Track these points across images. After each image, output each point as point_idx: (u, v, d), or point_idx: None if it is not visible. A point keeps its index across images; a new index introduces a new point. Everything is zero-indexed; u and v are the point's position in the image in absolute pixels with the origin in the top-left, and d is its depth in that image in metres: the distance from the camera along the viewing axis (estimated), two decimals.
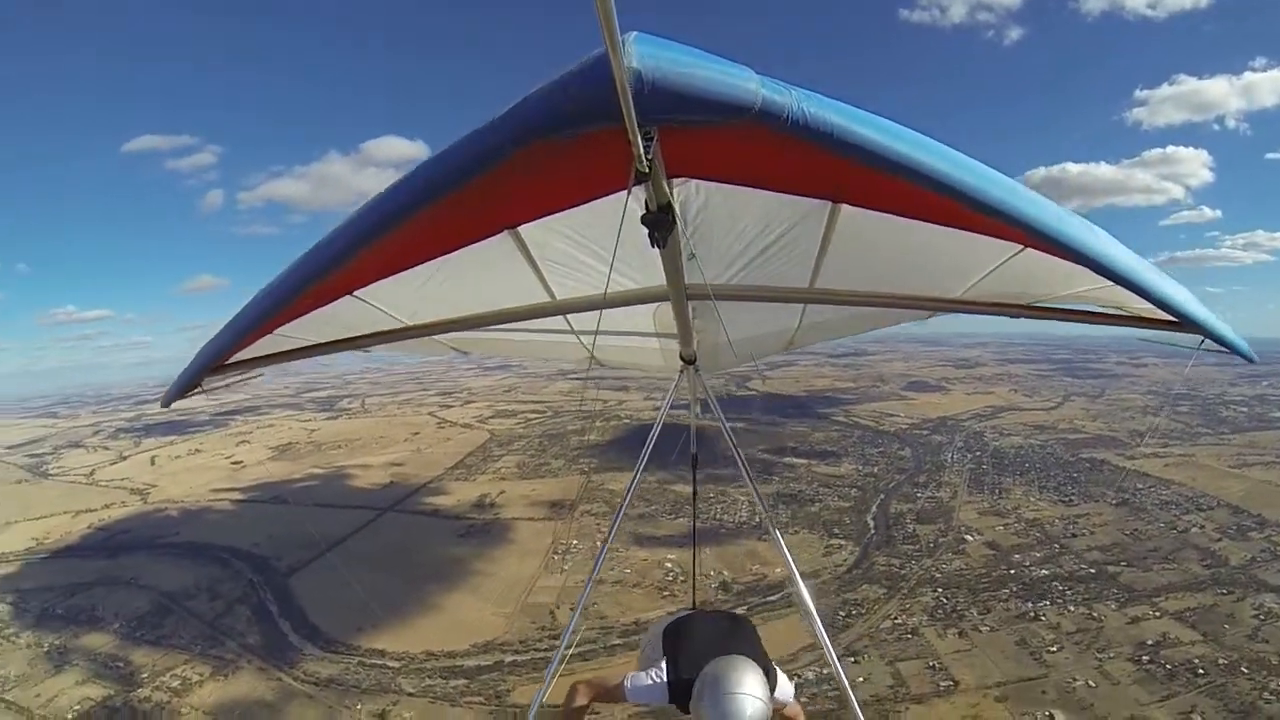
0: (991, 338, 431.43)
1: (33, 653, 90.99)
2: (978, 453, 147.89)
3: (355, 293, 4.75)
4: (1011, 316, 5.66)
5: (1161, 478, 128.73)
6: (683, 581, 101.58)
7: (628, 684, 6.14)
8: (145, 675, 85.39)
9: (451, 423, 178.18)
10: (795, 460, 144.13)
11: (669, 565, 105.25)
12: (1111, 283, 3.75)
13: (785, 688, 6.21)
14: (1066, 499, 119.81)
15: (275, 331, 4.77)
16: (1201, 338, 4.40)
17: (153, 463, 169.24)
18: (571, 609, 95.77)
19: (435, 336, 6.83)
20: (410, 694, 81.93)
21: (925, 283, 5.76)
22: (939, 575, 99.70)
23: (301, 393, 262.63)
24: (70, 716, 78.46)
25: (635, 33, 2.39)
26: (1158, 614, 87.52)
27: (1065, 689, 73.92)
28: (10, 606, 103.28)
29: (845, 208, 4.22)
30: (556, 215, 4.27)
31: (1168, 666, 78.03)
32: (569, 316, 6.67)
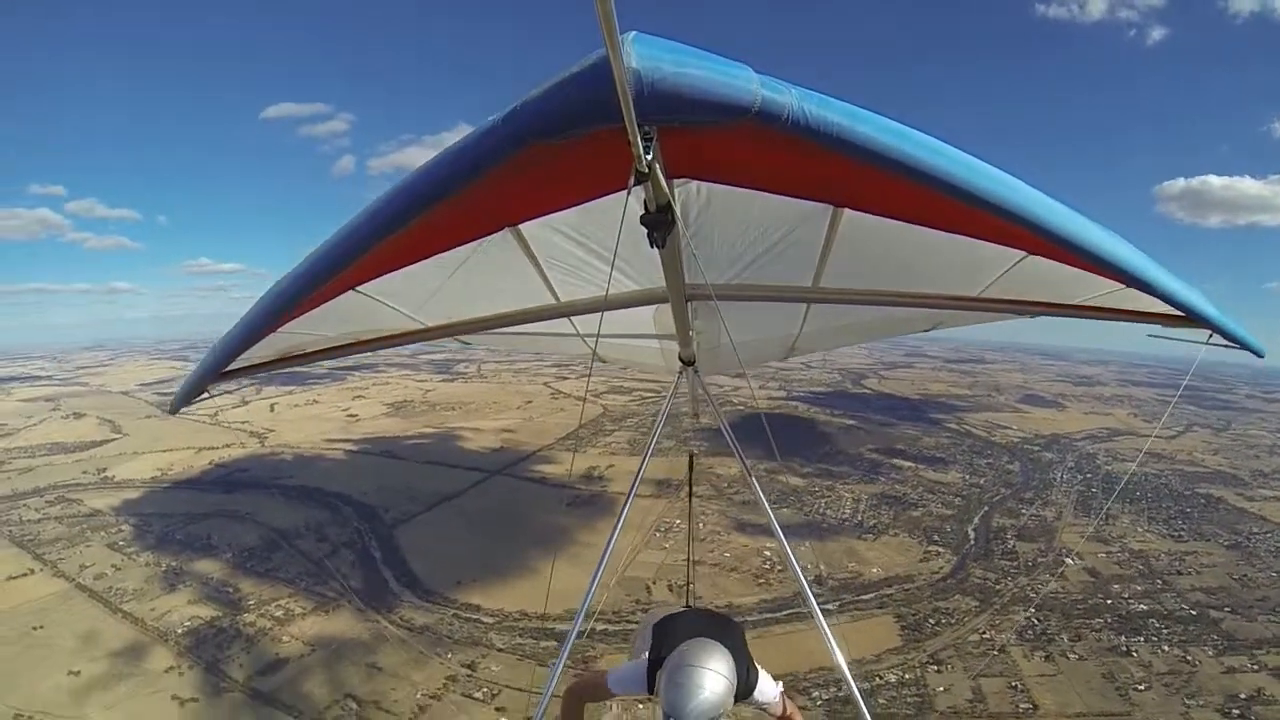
0: (1115, 356, 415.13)
1: (150, 571, 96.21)
2: (1088, 475, 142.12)
3: (358, 288, 4.74)
4: (1019, 314, 5.68)
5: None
6: (780, 570, 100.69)
7: (610, 677, 6.28)
8: (252, 603, 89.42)
9: (566, 394, 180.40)
10: (902, 463, 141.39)
11: (768, 554, 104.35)
12: (1123, 286, 3.77)
13: (768, 688, 6.08)
14: (1176, 534, 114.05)
15: (278, 330, 4.69)
16: (1209, 333, 4.33)
17: (272, 409, 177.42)
18: (669, 586, 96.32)
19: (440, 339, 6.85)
20: (500, 649, 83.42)
21: (930, 288, 5.63)
22: (1034, 595, 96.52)
23: (419, 354, 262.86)
24: (180, 631, 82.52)
25: (635, 33, 2.40)
26: (1256, 667, 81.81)
27: None
28: (133, 528, 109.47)
29: (847, 212, 4.17)
30: (557, 214, 4.27)
31: None
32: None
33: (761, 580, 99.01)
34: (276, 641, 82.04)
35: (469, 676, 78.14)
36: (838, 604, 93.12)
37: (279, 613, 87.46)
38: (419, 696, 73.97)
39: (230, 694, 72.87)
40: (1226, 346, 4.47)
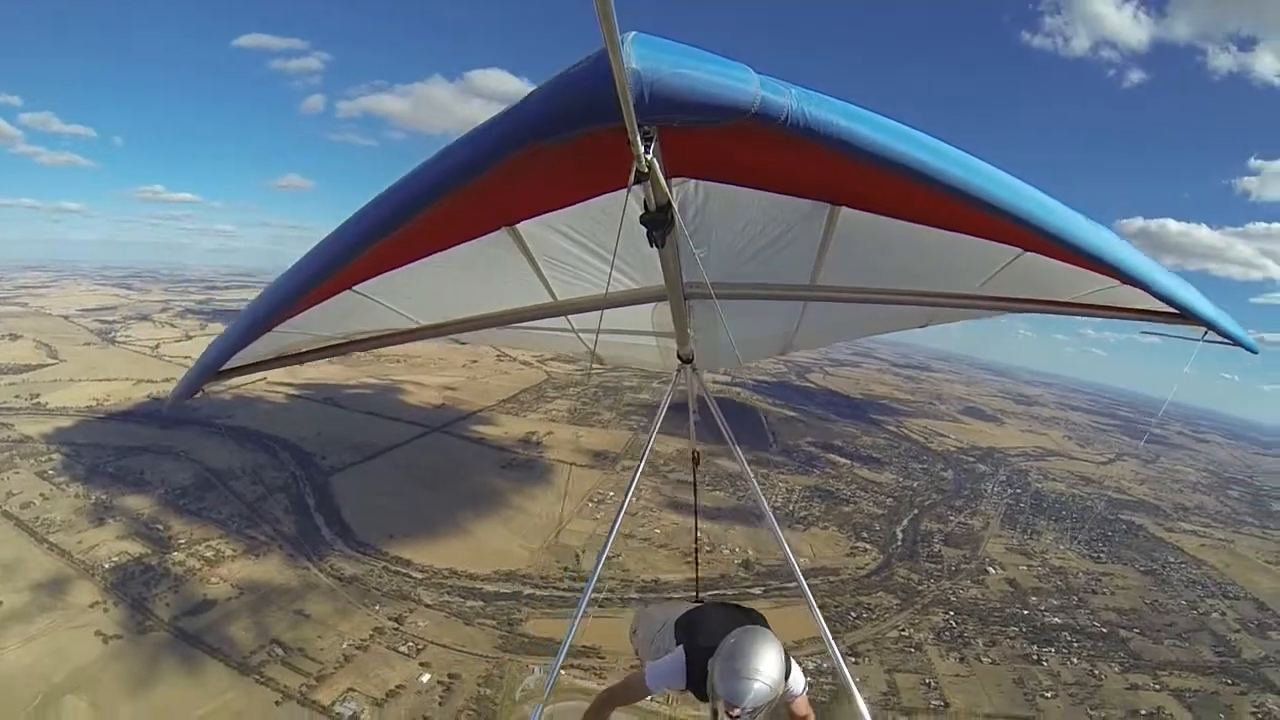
0: (1057, 379, 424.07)
1: (79, 503, 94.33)
2: (1018, 490, 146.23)
3: (355, 287, 4.70)
4: (1015, 311, 5.65)
5: (1195, 556, 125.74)
6: (709, 551, 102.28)
7: (647, 674, 6.11)
8: (181, 542, 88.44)
9: (511, 358, 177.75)
10: (839, 459, 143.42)
11: (699, 533, 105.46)
12: (1118, 283, 3.78)
13: (798, 679, 6.13)
14: (1096, 555, 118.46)
15: (276, 329, 4.66)
16: (1204, 330, 4.29)
17: None
18: (599, 557, 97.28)
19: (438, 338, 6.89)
20: (428, 605, 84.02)
21: (926, 285, 5.63)
22: (954, 599, 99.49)
23: None
24: (107, 566, 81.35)
25: (634, 33, 2.42)
26: (1158, 687, 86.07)
27: None
28: (64, 457, 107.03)
29: (845, 210, 4.19)
30: (556, 213, 4.25)
31: None
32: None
33: (690, 559, 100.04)
34: (204, 582, 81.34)
35: (396, 630, 78.60)
36: (763, 589, 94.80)
37: (209, 553, 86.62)
38: (345, 646, 74.20)
39: (155, 633, 72.23)
40: (1221, 344, 4.45)
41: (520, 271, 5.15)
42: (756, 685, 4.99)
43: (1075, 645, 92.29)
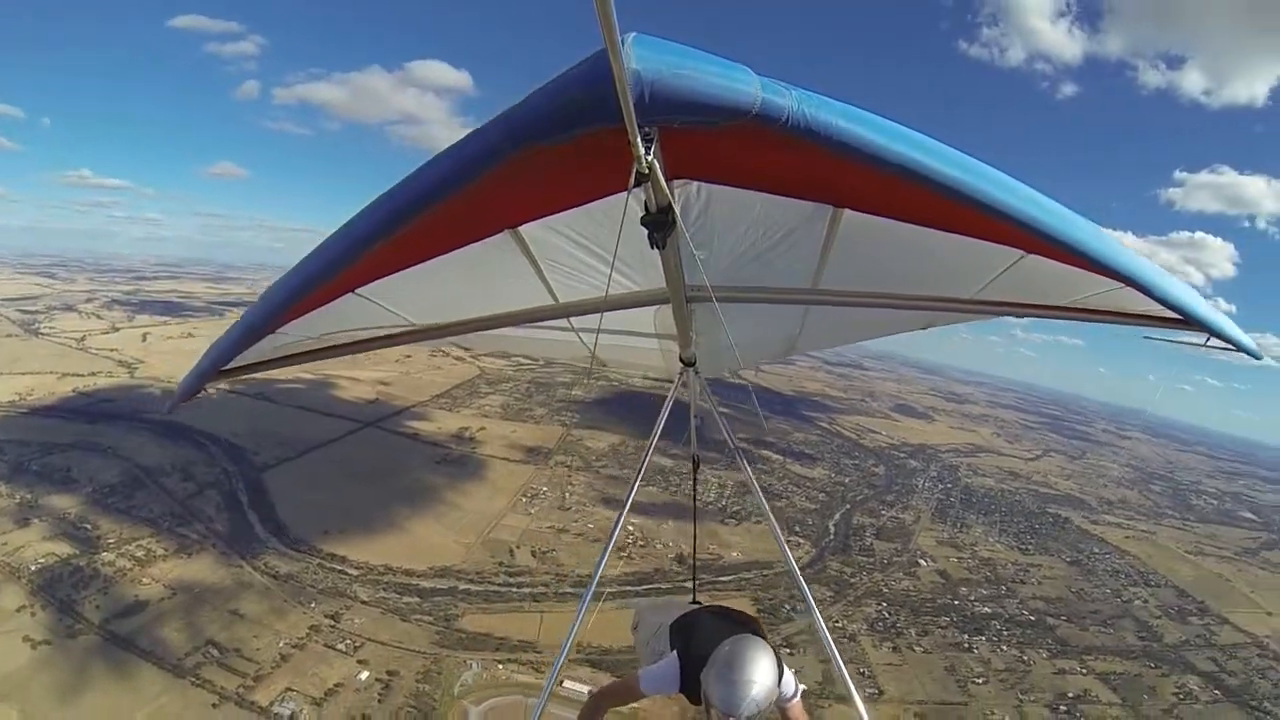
0: (988, 378, 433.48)
1: (2, 503, 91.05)
2: (949, 485, 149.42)
3: (357, 290, 4.64)
4: (1016, 315, 5.53)
5: (1119, 547, 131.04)
6: (642, 546, 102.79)
7: (641, 678, 6.04)
8: (111, 541, 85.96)
9: (444, 353, 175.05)
10: (771, 455, 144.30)
11: (631, 528, 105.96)
12: (1120, 285, 3.73)
13: (791, 685, 6.05)
14: (1023, 547, 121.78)
15: (278, 331, 4.62)
16: (1207, 335, 4.20)
17: (144, 339, 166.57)
18: (533, 551, 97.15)
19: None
20: (364, 602, 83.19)
21: (928, 288, 5.59)
22: (886, 591, 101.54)
23: None
24: (33, 569, 78.71)
25: (635, 34, 2.40)
26: (1084, 671, 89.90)
27: None
28: None
29: (847, 212, 4.17)
30: (557, 216, 4.24)
31: None
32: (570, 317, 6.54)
33: (624, 554, 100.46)
34: (136, 583, 79.26)
35: (332, 628, 77.73)
36: (698, 583, 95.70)
37: (139, 553, 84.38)
38: (282, 645, 73.21)
39: (85, 637, 70.19)
40: (1223, 349, 4.34)
41: (522, 274, 5.16)
42: (751, 694, 5.04)
43: (1005, 633, 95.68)
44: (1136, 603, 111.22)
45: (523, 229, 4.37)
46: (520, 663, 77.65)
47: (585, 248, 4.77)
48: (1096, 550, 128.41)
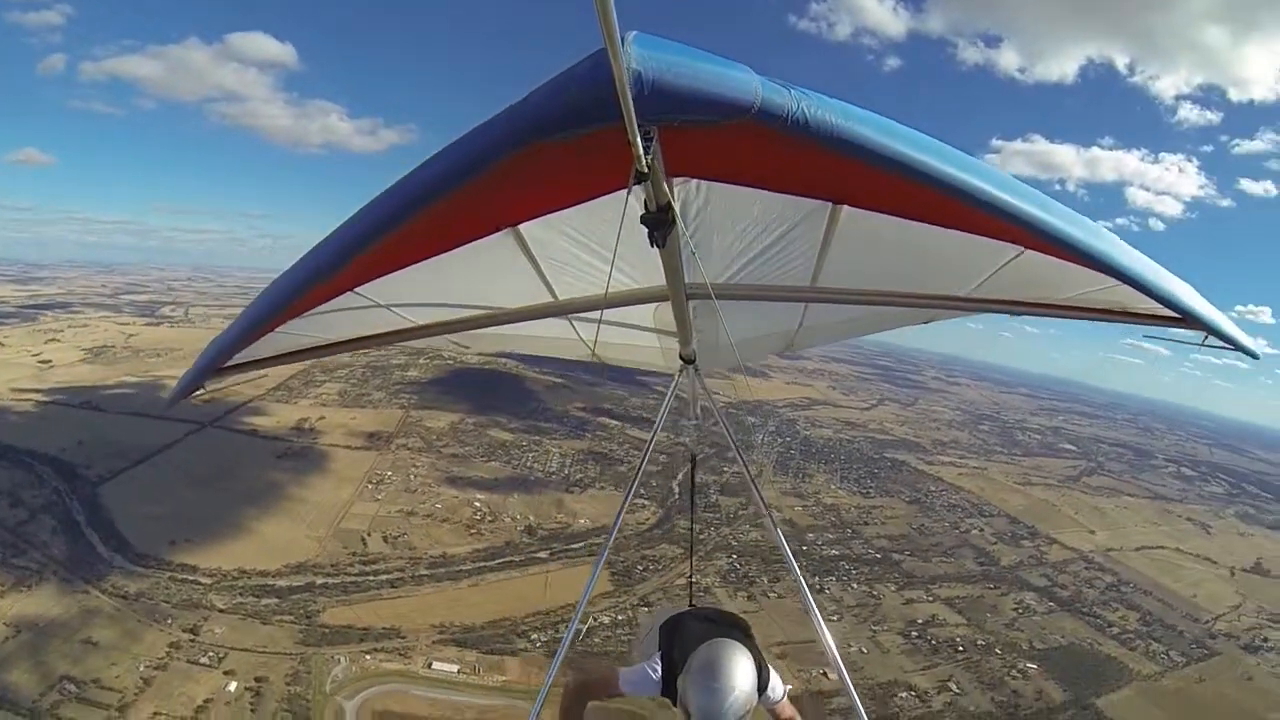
0: None
1: None
2: (788, 438, 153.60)
3: (357, 288, 4.59)
4: (1014, 314, 5.44)
5: (954, 484, 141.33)
6: (491, 520, 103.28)
7: (621, 677, 5.76)
8: None
9: None
10: (609, 421, 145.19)
11: (477, 505, 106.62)
12: (1118, 282, 3.66)
13: (777, 687, 5.76)
14: (864, 491, 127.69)
15: (277, 330, 4.59)
16: (1205, 334, 4.15)
17: None
18: (385, 538, 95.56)
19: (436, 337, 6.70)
20: (222, 610, 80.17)
21: (927, 284, 5.54)
22: (735, 543, 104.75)
23: (120, 294, 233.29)
24: None
25: (635, 32, 2.40)
26: (930, 599, 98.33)
27: (840, 654, 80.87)
28: None
29: (845, 208, 4.08)
30: (557, 214, 4.13)
31: (933, 642, 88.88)
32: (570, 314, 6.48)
33: (473, 530, 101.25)
34: None
35: (193, 642, 74.54)
36: (548, 552, 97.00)
37: None
38: (142, 669, 69.69)
39: None
40: (1221, 347, 4.24)
41: (521, 272, 5.12)
42: (731, 699, 4.82)
43: (854, 572, 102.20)
44: (974, 532, 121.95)
45: (522, 227, 4.35)
46: (387, 651, 77.38)
47: (585, 246, 4.77)
48: (933, 488, 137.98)
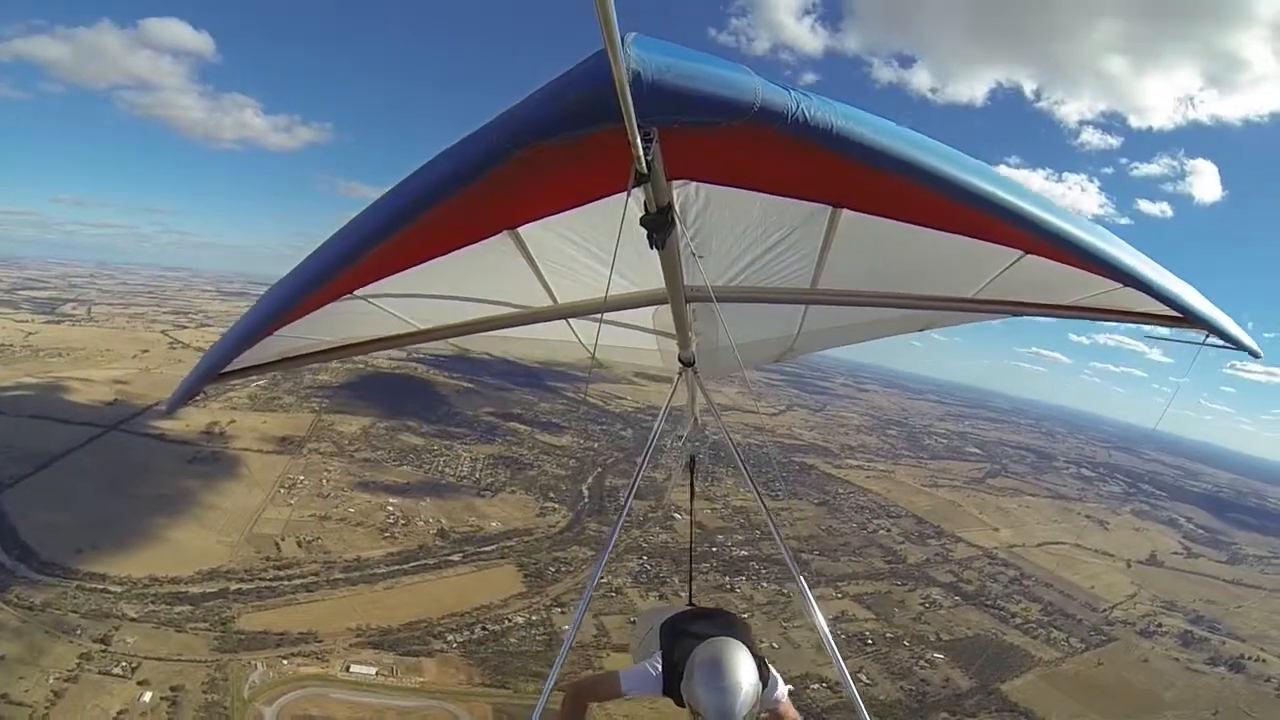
0: None
1: None
2: (697, 443, 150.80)
3: (356, 292, 4.50)
4: (1016, 315, 5.35)
5: (862, 487, 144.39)
6: (404, 524, 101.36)
7: (623, 679, 5.64)
8: None
9: (184, 344, 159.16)
10: (519, 426, 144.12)
11: (390, 509, 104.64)
12: (1121, 285, 3.60)
13: (779, 687, 5.66)
14: (774, 494, 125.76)
15: (277, 333, 4.43)
16: (1206, 333, 4.03)
17: None
18: (299, 542, 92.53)
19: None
20: (134, 619, 76.23)
21: (927, 287, 5.41)
22: (646, 545, 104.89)
23: (17, 289, 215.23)
24: None
25: (635, 34, 2.34)
26: (840, 596, 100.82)
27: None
28: None
29: (845, 212, 3.96)
30: (556, 216, 4.02)
31: (843, 636, 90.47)
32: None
33: (387, 534, 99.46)
34: None
35: (104, 652, 70.72)
36: (460, 555, 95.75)
37: None
38: (52, 682, 65.83)
39: None
40: (1223, 347, 4.12)
41: (521, 275, 4.97)
42: (740, 697, 4.74)
43: (763, 572, 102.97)
44: (881, 532, 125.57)
45: (522, 230, 4.20)
46: (304, 655, 75.37)
47: (584, 248, 4.63)
48: (841, 491, 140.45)
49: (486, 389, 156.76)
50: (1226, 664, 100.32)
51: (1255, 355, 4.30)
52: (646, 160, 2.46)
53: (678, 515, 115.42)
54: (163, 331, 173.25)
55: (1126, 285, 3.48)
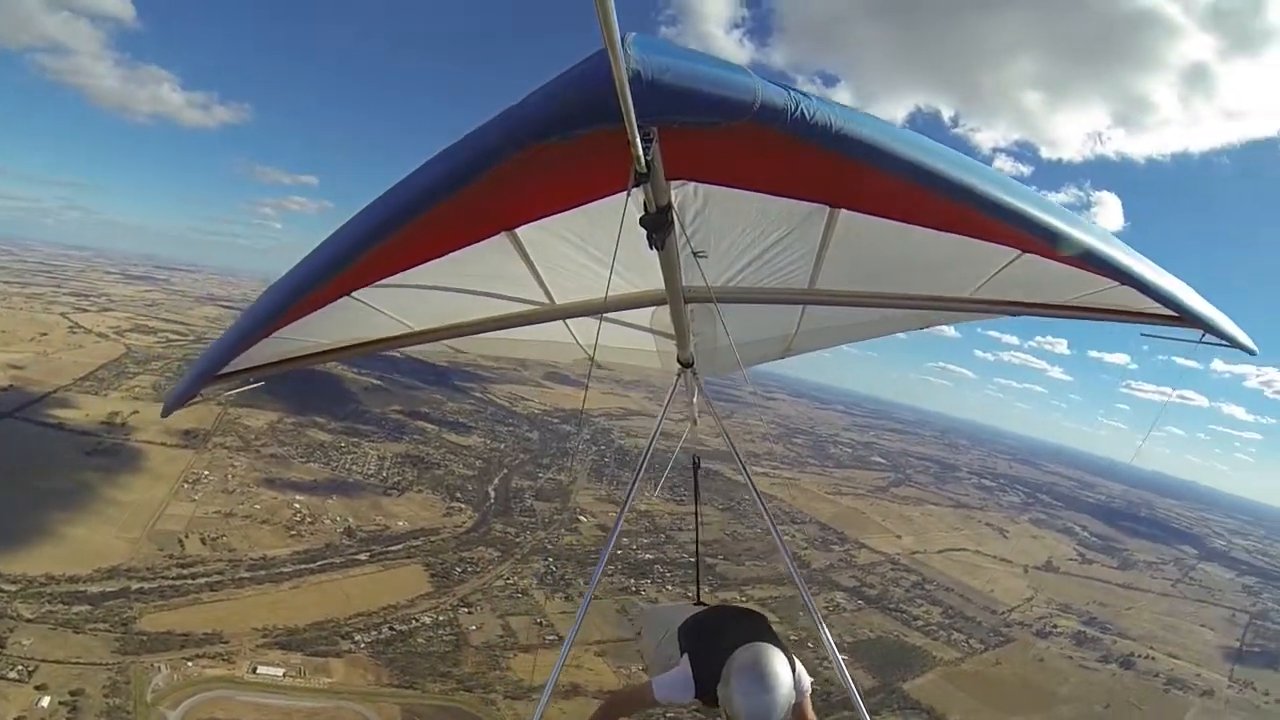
0: None
1: None
2: (603, 447, 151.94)
3: (353, 293, 4.37)
4: (1012, 314, 5.28)
5: (767, 493, 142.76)
6: (311, 522, 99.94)
7: (655, 687, 5.49)
8: None
9: (85, 329, 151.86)
10: (427, 425, 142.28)
11: (297, 506, 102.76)
12: (1118, 284, 3.56)
13: (805, 679, 5.50)
14: (679, 499, 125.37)
15: (273, 335, 4.32)
16: (1202, 332, 3.98)
17: None
18: (203, 539, 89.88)
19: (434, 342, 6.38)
20: (29, 620, 72.70)
21: (925, 287, 5.33)
22: (551, 547, 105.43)
23: None
24: None
25: (634, 34, 2.29)
26: (744, 599, 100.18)
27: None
28: None
29: (843, 212, 3.90)
30: (554, 217, 3.95)
31: None
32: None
33: (294, 532, 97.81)
34: None
35: None
36: (368, 554, 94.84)
37: None
38: None
39: None
40: (1218, 345, 4.05)
41: (518, 276, 4.90)
42: (779, 701, 4.75)
43: (668, 575, 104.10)
44: (786, 538, 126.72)
45: (519, 230, 4.13)
46: (210, 656, 73.71)
47: (582, 249, 4.56)
48: (745, 498, 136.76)
49: (395, 387, 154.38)
50: (1117, 661, 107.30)
51: (1251, 353, 4.30)
52: (646, 160, 2.47)
53: (583, 518, 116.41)
54: (62, 314, 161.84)
55: (1123, 284, 3.51)
